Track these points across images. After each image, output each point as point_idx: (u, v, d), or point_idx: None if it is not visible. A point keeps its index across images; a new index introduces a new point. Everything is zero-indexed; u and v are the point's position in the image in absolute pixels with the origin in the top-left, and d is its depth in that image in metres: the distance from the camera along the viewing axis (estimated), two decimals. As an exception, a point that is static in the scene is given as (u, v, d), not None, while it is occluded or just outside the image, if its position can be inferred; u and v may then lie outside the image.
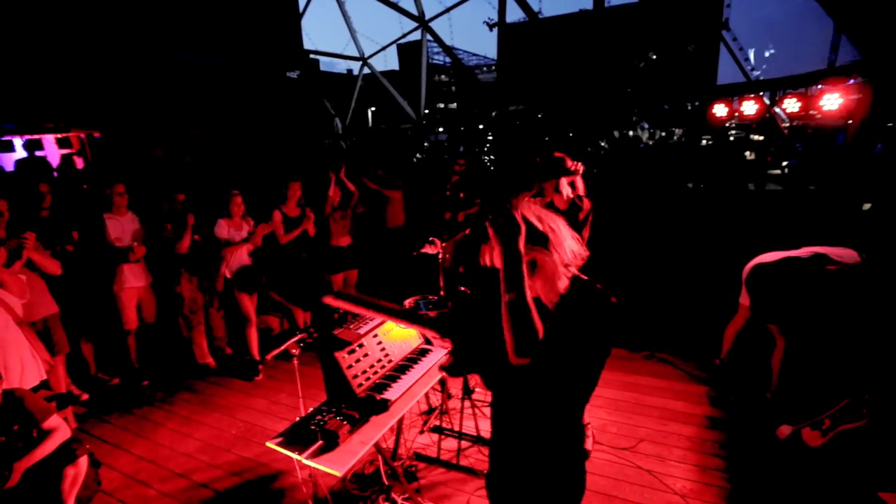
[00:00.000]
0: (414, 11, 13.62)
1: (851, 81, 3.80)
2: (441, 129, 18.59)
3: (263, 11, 9.61)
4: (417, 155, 13.59)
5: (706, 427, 3.37)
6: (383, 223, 6.16)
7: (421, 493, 2.74)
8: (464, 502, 2.76)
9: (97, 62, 7.25)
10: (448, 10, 12.67)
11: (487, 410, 3.63)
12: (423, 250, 2.48)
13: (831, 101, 3.84)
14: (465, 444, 3.24)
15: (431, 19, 13.46)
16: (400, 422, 2.63)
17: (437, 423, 3.42)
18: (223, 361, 4.63)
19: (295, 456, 1.71)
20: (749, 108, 4.56)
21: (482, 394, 3.81)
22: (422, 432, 3.43)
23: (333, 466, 1.63)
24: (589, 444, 3.14)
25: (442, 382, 3.27)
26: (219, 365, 4.56)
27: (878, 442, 2.59)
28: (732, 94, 4.71)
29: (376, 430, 1.82)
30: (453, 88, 34.09)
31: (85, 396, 4.05)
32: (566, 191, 2.98)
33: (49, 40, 6.82)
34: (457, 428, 3.32)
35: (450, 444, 3.24)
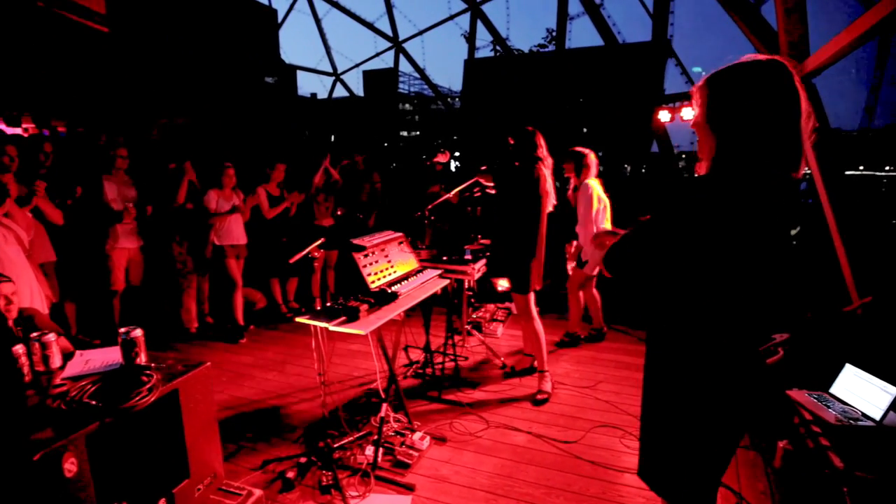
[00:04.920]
0: (389, 32, 14.37)
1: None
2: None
3: (245, 20, 9.99)
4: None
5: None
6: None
7: (409, 414, 3.03)
8: (447, 422, 3.09)
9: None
10: (422, 32, 13.47)
11: (464, 363, 4.01)
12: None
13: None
14: (445, 385, 3.57)
15: (405, 40, 14.23)
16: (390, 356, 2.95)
17: (421, 371, 3.74)
18: (206, 328, 4.75)
19: (323, 324, 2.02)
20: (688, 113, 5.41)
21: (460, 349, 4.18)
22: (405, 377, 3.74)
23: (358, 327, 1.97)
24: (548, 386, 3.51)
25: (427, 326, 3.61)
26: (200, 332, 4.68)
27: (787, 367, 3.16)
28: (674, 101, 5.53)
29: (388, 313, 2.17)
30: (417, 118, 35.27)
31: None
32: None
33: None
34: (438, 377, 3.64)
35: (432, 387, 3.56)
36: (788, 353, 3.38)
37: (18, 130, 8.32)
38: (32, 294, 2.94)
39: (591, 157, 4.06)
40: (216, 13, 9.15)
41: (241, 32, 9.80)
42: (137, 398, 1.28)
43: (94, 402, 1.22)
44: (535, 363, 3.62)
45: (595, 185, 4.00)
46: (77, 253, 4.10)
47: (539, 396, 3.35)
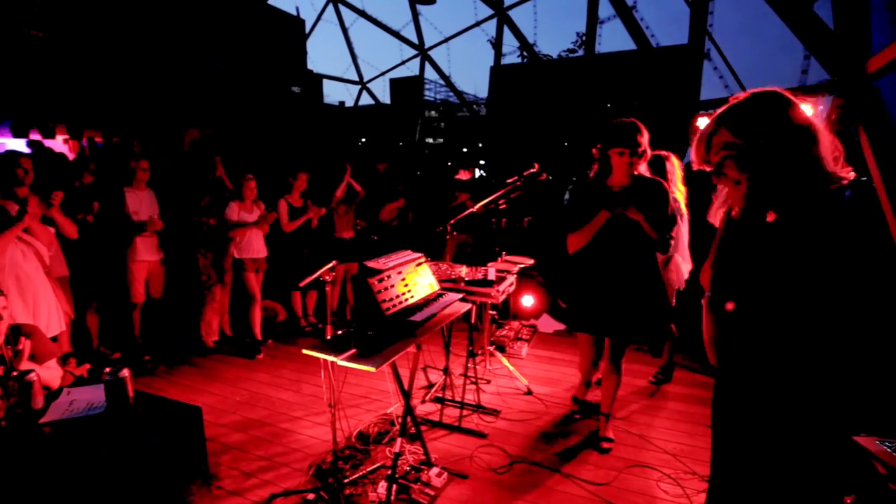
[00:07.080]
0: (414, 40, 14.32)
1: (821, 99, 4.33)
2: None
3: (274, 31, 10.10)
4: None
5: (695, 403, 3.55)
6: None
7: (426, 446, 2.84)
8: (467, 455, 2.88)
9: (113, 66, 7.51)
10: (448, 39, 13.38)
11: (486, 386, 3.79)
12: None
13: (805, 111, 4.45)
14: (465, 412, 3.36)
15: (431, 48, 14.17)
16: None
17: (440, 395, 3.55)
18: (224, 342, 4.69)
19: (331, 358, 1.86)
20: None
21: (482, 370, 3.97)
22: (423, 402, 3.55)
23: (369, 364, 1.79)
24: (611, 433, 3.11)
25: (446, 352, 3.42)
26: (219, 345, 4.62)
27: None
28: (711, 107, 5.19)
29: (403, 346, 1.99)
30: (442, 125, 35.33)
31: (87, 366, 4.06)
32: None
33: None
34: (458, 402, 3.44)
35: (451, 413, 3.36)
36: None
37: (59, 143, 8.58)
38: (51, 312, 2.91)
39: (674, 161, 3.41)
40: (246, 23, 9.27)
41: (270, 43, 9.91)
42: None
43: None
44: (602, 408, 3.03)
45: (679, 199, 3.39)
46: (100, 265, 4.10)
47: (604, 444, 2.97)
